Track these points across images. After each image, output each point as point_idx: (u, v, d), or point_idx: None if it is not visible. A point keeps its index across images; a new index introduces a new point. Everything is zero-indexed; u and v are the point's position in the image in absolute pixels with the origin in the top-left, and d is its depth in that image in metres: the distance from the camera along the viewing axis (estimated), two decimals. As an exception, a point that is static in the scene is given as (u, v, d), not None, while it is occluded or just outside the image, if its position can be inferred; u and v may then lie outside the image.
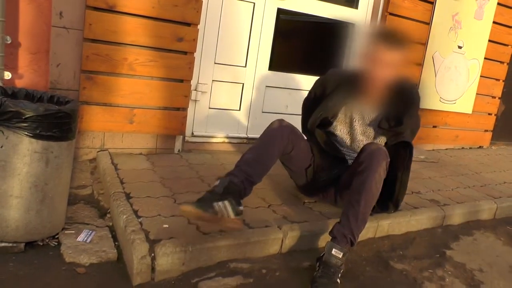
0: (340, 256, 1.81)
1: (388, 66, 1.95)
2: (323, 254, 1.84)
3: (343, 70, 2.24)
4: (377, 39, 1.98)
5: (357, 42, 2.12)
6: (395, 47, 1.94)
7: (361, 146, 2.18)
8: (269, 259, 1.93)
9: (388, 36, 1.99)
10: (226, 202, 1.74)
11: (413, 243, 2.32)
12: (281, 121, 2.08)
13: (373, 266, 2.04)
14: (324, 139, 2.24)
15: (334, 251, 1.82)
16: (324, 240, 2.10)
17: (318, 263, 1.84)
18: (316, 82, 2.34)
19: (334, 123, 2.25)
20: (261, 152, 1.98)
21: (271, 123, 2.08)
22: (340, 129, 2.26)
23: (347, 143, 2.27)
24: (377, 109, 2.17)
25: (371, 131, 2.21)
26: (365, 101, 2.17)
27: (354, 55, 2.13)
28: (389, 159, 1.94)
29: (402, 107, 2.09)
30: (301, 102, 2.45)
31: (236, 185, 1.85)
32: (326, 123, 2.26)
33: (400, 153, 2.10)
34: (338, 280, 1.78)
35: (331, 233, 1.89)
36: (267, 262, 1.90)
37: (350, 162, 2.25)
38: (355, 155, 2.22)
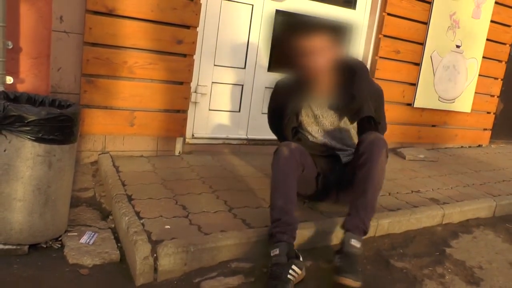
0: (359, 246, 1.88)
1: (315, 53, 2.00)
2: (342, 247, 1.87)
3: (288, 77, 2.26)
4: (291, 35, 2.05)
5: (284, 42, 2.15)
6: (308, 34, 2.00)
7: (339, 136, 2.26)
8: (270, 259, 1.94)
9: (297, 27, 2.11)
10: (295, 267, 1.74)
11: (413, 241, 2.33)
12: (288, 145, 2.02)
13: (373, 264, 2.05)
14: (308, 144, 2.25)
15: (352, 242, 1.87)
16: (325, 239, 2.12)
17: (337, 256, 1.85)
18: (270, 97, 2.35)
19: (304, 127, 2.28)
20: (285, 190, 1.95)
21: (280, 151, 2.01)
22: (311, 130, 2.28)
23: (325, 139, 2.28)
24: (329, 95, 2.20)
25: (336, 118, 2.23)
26: (318, 93, 2.20)
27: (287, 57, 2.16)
28: (387, 145, 2.00)
29: (349, 82, 2.11)
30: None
31: (291, 243, 1.85)
32: (297, 130, 2.30)
33: (366, 127, 2.15)
34: (360, 269, 1.84)
35: (343, 226, 1.95)
36: (268, 262, 1.91)
37: (343, 156, 2.28)
38: (343, 147, 2.29)
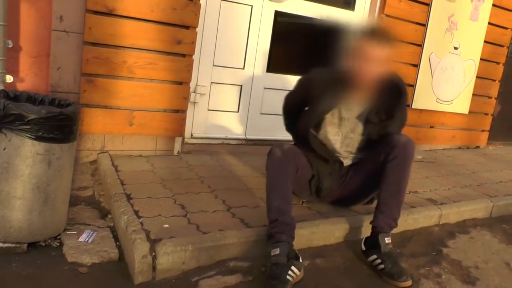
0: (391, 242, 2.01)
1: (378, 63, 1.97)
2: (379, 248, 1.98)
3: (328, 69, 2.21)
4: (368, 37, 1.98)
5: (345, 40, 2.10)
6: (385, 43, 1.96)
7: (351, 144, 2.24)
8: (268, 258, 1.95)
9: (378, 33, 2.01)
10: (294, 268, 1.79)
11: (410, 241, 2.35)
12: (280, 147, 2.03)
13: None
14: (317, 143, 2.22)
15: (387, 240, 2.00)
16: (321, 238, 2.14)
17: (376, 257, 1.98)
18: (299, 84, 2.29)
19: (322, 124, 2.22)
20: (282, 191, 1.97)
21: (273, 152, 2.02)
22: (329, 130, 2.22)
23: (337, 143, 2.25)
24: (364, 104, 2.18)
25: (360, 127, 2.21)
26: (353, 98, 2.17)
27: (341, 53, 2.11)
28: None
29: (391, 100, 2.12)
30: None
31: (290, 243, 1.88)
32: (314, 126, 2.25)
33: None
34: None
35: (377, 225, 2.04)
36: (266, 261, 1.93)
37: (346, 162, 2.27)
38: (348, 154, 2.27)
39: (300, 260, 1.86)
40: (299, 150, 2.14)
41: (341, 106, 2.18)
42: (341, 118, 2.21)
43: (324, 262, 2.01)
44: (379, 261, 1.96)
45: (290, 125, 2.38)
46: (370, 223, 2.09)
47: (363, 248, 2.07)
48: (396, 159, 2.04)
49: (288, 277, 1.74)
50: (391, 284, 1.90)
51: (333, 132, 2.23)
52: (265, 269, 1.84)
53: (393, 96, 2.11)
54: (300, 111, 2.28)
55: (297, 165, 2.07)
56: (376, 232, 2.03)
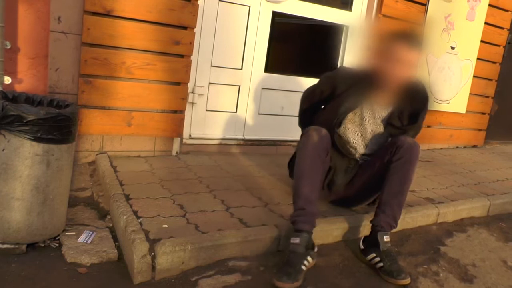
0: (389, 241, 2.03)
1: (407, 66, 2.02)
2: (378, 246, 1.99)
3: (354, 69, 2.24)
4: (400, 40, 2.02)
5: (371, 41, 2.13)
6: (416, 47, 2.01)
7: (370, 146, 2.26)
8: (267, 257, 1.96)
9: (410, 37, 2.06)
10: (309, 258, 1.88)
11: (408, 240, 2.36)
12: (318, 130, 2.03)
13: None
14: (339, 140, 2.23)
15: (386, 239, 2.02)
16: (320, 237, 2.14)
17: (374, 255, 1.99)
18: (325, 79, 2.32)
19: (343, 121, 2.23)
20: (313, 179, 1.99)
21: (309, 135, 2.02)
22: (349, 128, 2.24)
23: (354, 142, 2.27)
24: (388, 107, 2.22)
25: (381, 129, 2.25)
26: (377, 99, 2.20)
27: (366, 54, 2.14)
28: None
29: (416, 105, 2.17)
30: (297, 104, 2.48)
31: (311, 233, 1.95)
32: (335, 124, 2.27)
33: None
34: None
35: (377, 224, 2.05)
36: (265, 260, 1.94)
37: (361, 161, 2.30)
38: (363, 157, 2.29)
39: (315, 250, 1.95)
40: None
41: (364, 106, 2.21)
42: (363, 118, 2.23)
43: (322, 261, 2.01)
44: (378, 259, 1.97)
45: (304, 120, 2.39)
46: (370, 221, 2.11)
47: (362, 247, 2.08)
48: (401, 159, 2.07)
49: (303, 266, 1.83)
50: (390, 282, 1.91)
51: (353, 130, 2.26)
52: (263, 268, 1.87)
53: (417, 102, 2.17)
54: (318, 107, 2.32)
55: (328, 152, 2.09)
56: (375, 231, 2.04)
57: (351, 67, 2.27)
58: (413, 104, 2.17)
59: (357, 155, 2.29)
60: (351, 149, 2.28)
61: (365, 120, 2.23)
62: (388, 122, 2.23)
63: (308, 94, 2.42)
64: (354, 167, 2.29)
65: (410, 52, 2.00)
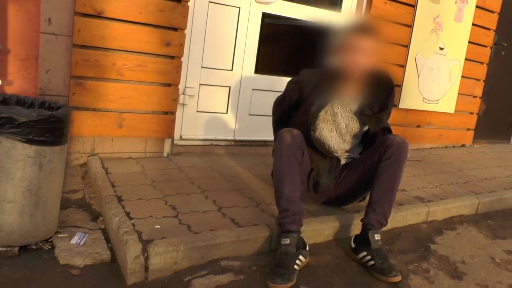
0: (380, 239, 2.05)
1: (365, 54, 2.10)
2: (369, 244, 2.01)
3: (317, 69, 2.33)
4: (353, 30, 2.15)
5: (333, 38, 2.22)
6: (369, 35, 2.11)
7: (348, 140, 2.30)
8: (259, 257, 1.98)
9: (363, 26, 2.19)
10: (301, 257, 1.91)
11: (398, 238, 2.39)
12: (290, 132, 2.06)
13: (360, 261, 2.10)
14: (316, 141, 2.27)
15: (377, 237, 2.04)
16: (311, 237, 2.16)
17: (366, 253, 2.01)
18: (291, 85, 2.39)
19: (316, 122, 2.27)
20: (291, 178, 2.01)
21: (282, 138, 2.04)
22: (323, 127, 2.29)
23: (332, 140, 2.31)
24: (357, 99, 2.27)
25: (355, 122, 2.29)
26: (345, 93, 2.26)
27: (329, 51, 2.23)
28: None
29: (383, 93, 2.24)
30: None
31: (299, 232, 1.97)
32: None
33: (377, 137, 2.27)
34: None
35: (367, 222, 2.08)
36: (257, 260, 1.95)
37: (344, 160, 2.32)
38: (343, 152, 2.31)
39: (307, 249, 1.98)
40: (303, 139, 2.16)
41: (334, 102, 2.26)
42: (335, 114, 2.27)
43: (314, 260, 2.03)
44: (369, 257, 1.99)
45: (280, 124, 2.41)
46: (361, 220, 2.13)
47: (353, 245, 2.11)
48: (390, 158, 2.10)
49: (295, 266, 1.85)
50: (381, 279, 1.94)
51: (327, 128, 2.29)
52: (256, 267, 1.88)
53: (384, 89, 2.24)
54: (290, 115, 2.35)
55: (303, 151, 2.11)
56: (366, 229, 2.07)
57: (314, 68, 2.35)
58: (380, 91, 2.24)
59: (339, 152, 2.32)
60: (331, 148, 2.31)
61: (337, 115, 2.28)
62: (360, 113, 2.27)
63: (278, 103, 2.49)
64: (337, 166, 2.31)
65: (365, 41, 2.09)
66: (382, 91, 2.24)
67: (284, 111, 2.45)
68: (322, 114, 2.25)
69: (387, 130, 2.27)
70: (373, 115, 2.23)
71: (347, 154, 2.34)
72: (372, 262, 1.98)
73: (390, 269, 1.94)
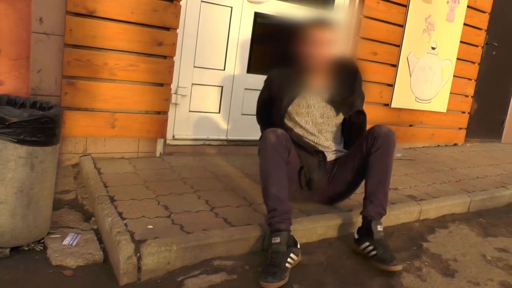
0: (382, 230, 2.09)
1: (325, 44, 2.23)
2: (372, 235, 2.05)
3: (283, 69, 2.42)
4: (311, 24, 2.26)
5: (296, 35, 2.33)
6: (325, 27, 2.23)
7: (325, 129, 2.36)
8: (252, 256, 1.98)
9: (319, 19, 2.31)
10: (292, 255, 1.91)
11: (391, 236, 2.40)
12: (274, 131, 2.07)
13: (352, 259, 2.10)
14: (295, 134, 2.32)
15: (379, 228, 2.08)
16: (304, 236, 2.16)
17: (368, 244, 2.04)
18: (263, 85, 2.49)
19: (292, 116, 2.36)
20: (277, 177, 2.02)
21: (267, 138, 2.05)
22: (300, 120, 2.35)
23: (310, 130, 2.35)
24: (326, 87, 2.36)
25: (329, 110, 2.35)
26: (315, 85, 2.34)
27: (293, 47, 2.33)
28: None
29: (349, 78, 2.34)
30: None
31: (289, 231, 1.97)
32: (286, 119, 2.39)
33: (355, 123, 2.36)
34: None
35: (367, 215, 2.12)
36: (250, 259, 1.95)
37: (330, 157, 2.34)
38: (328, 144, 2.36)
39: (298, 246, 1.98)
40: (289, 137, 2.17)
41: (305, 95, 2.33)
42: (308, 106, 2.34)
43: (307, 259, 2.04)
44: (371, 247, 2.03)
45: (265, 124, 2.42)
46: (360, 213, 2.17)
47: (356, 236, 2.14)
48: (379, 150, 2.15)
49: (287, 264, 1.86)
50: (382, 268, 1.97)
51: (303, 121, 2.36)
52: (249, 267, 1.88)
53: (349, 74, 2.36)
54: (270, 113, 2.39)
55: (289, 149, 2.13)
56: (368, 221, 2.10)
57: (280, 68, 2.43)
58: (346, 77, 2.35)
59: (319, 143, 2.35)
60: (310, 141, 2.35)
61: (311, 107, 2.34)
62: (332, 100, 2.34)
63: (258, 103, 2.57)
64: (324, 161, 2.31)
65: (322, 32, 2.22)
66: (348, 76, 2.35)
67: (263, 107, 2.51)
68: (295, 108, 2.34)
69: (361, 113, 2.33)
70: (343, 100, 2.31)
71: (329, 144, 2.37)
72: (374, 252, 2.01)
73: (391, 258, 1.97)
